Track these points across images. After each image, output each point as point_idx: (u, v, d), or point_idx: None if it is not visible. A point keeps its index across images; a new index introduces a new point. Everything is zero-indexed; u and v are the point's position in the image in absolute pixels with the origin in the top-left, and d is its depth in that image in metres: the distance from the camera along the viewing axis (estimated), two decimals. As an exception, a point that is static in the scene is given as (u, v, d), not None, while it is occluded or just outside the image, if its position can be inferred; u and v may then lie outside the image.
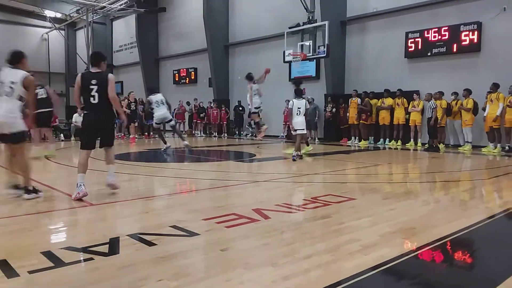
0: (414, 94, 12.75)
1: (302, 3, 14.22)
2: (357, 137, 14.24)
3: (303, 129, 9.31)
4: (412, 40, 13.09)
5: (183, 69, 22.30)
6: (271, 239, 3.39)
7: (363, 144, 13.76)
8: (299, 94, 9.39)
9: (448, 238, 3.44)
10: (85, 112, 5.10)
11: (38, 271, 2.61)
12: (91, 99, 4.94)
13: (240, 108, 18.18)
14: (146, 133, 18.10)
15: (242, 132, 18.52)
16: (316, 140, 15.07)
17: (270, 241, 3.33)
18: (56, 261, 2.80)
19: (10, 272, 2.59)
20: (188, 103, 19.69)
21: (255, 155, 10.63)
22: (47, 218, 4.25)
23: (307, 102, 9.76)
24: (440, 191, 6.10)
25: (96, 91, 4.91)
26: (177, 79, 22.72)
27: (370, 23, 14.62)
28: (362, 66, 14.81)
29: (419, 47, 12.93)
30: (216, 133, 18.90)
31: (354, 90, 14.21)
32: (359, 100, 13.90)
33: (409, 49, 13.20)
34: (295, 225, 3.82)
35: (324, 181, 6.75)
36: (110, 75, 5.05)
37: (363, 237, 3.39)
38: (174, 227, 3.66)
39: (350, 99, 14.25)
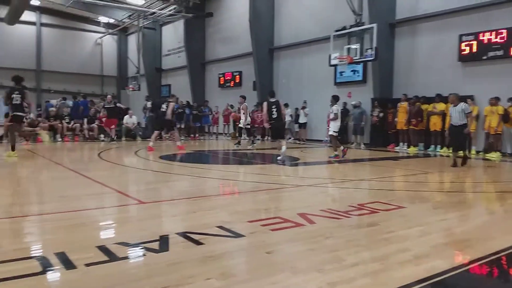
0: (468, 100, 12.14)
1: (349, 6, 14.00)
2: (406, 143, 13.77)
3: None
4: (466, 43, 12.50)
5: (228, 72, 22.65)
6: (316, 244, 3.35)
7: (412, 150, 13.28)
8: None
9: (504, 252, 3.24)
10: None
11: (94, 264, 2.75)
12: None
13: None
14: (192, 135, 18.55)
15: (290, 137, 18.43)
16: (362, 145, 14.75)
17: (316, 247, 3.29)
18: (110, 255, 2.93)
19: (69, 264, 2.74)
20: (232, 106, 19.96)
21: (298, 159, 10.58)
22: (101, 214, 4.47)
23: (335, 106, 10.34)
24: (496, 202, 5.76)
25: None
26: (222, 83, 23.11)
27: (421, 25, 14.13)
28: (412, 70, 14.34)
29: (474, 50, 12.32)
30: (259, 136, 18.98)
31: (404, 94, 13.78)
32: (408, 104, 13.45)
33: (463, 52, 12.61)
34: (341, 232, 3.76)
35: (371, 187, 6.58)
36: None
37: (414, 247, 3.28)
38: (220, 227, 3.71)
39: (399, 104, 13.82)
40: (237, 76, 22.05)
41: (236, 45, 21.84)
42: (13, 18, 23.44)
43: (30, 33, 28.95)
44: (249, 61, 20.35)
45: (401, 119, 13.63)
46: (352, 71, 15.90)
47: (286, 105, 16.07)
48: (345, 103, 15.95)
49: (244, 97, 14.00)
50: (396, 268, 2.83)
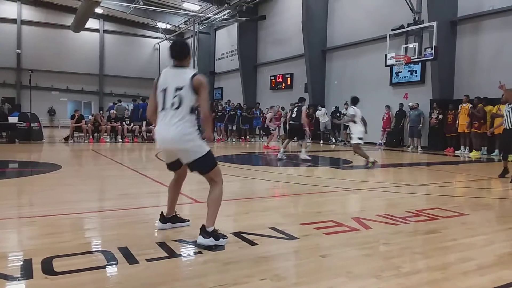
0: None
1: (408, 4, 13.51)
2: (467, 147, 13.02)
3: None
4: (538, 39, 11.59)
5: (279, 74, 22.71)
6: (372, 250, 3.27)
7: (474, 155, 12.52)
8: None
9: None
10: None
11: (155, 260, 2.88)
12: None
13: (338, 114, 17.86)
14: (243, 137, 18.79)
15: (338, 138, 18.16)
16: (419, 148, 14.13)
17: (372, 252, 3.21)
18: (170, 252, 3.06)
19: (131, 259, 2.89)
20: (282, 108, 19.96)
21: (351, 162, 10.36)
22: (159, 212, 4.65)
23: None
24: None
25: None
26: (273, 85, 23.21)
27: (485, 22, 13.29)
28: (475, 70, 13.53)
29: (546, 47, 11.39)
30: (310, 138, 18.79)
31: (465, 96, 13.02)
32: (470, 106, 12.70)
33: (534, 50, 11.70)
34: (398, 238, 3.63)
35: (429, 193, 6.29)
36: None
37: (478, 257, 3.10)
38: (274, 229, 3.74)
39: (460, 105, 13.10)
40: (288, 78, 22.04)
41: (288, 47, 21.84)
42: (79, 26, 25.14)
43: (94, 39, 30.88)
44: (300, 63, 20.27)
45: (462, 122, 12.90)
46: (409, 71, 15.31)
47: (312, 106, 15.51)
48: (401, 105, 15.40)
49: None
50: (459, 278, 2.69)
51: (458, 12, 13.94)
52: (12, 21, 28.35)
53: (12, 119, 15.13)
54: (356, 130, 8.97)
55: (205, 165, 3.26)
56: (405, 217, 4.32)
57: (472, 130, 12.64)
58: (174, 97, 3.15)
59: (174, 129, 3.13)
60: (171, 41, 22.47)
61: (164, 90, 3.20)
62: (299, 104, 10.51)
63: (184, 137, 3.13)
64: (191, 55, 3.41)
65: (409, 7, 13.52)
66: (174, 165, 3.44)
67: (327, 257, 3.06)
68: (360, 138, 8.96)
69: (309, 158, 10.24)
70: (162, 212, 3.71)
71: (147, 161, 10.82)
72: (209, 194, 3.33)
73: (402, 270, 2.81)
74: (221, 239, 3.21)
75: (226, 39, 28.27)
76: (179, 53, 3.27)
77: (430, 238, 3.68)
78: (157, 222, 3.71)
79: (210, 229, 3.19)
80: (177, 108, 3.14)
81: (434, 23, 12.52)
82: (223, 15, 25.09)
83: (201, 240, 3.17)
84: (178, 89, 3.16)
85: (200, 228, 3.23)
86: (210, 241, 3.15)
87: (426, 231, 3.90)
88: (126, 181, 6.69)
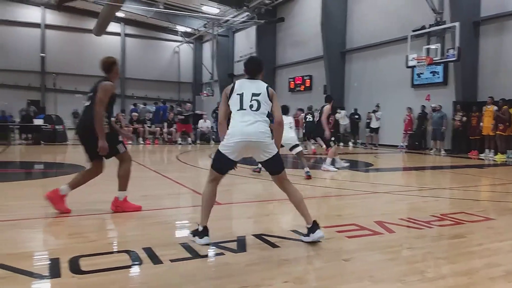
0: None
1: (429, 4, 13.29)
2: (492, 150, 12.69)
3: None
4: None
5: (298, 76, 22.65)
6: (396, 254, 3.23)
7: (499, 158, 12.19)
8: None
9: None
10: None
11: (179, 260, 2.92)
12: None
13: (357, 116, 17.71)
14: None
15: (358, 141, 17.98)
16: (442, 151, 13.86)
17: (396, 257, 3.17)
18: (193, 253, 3.09)
19: (155, 259, 2.94)
20: (302, 110, 19.88)
21: (372, 165, 10.25)
22: (181, 213, 4.71)
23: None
24: None
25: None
26: (292, 87, 23.16)
27: (510, 22, 12.96)
28: (500, 71, 13.20)
29: None
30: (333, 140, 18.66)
31: (490, 97, 12.70)
32: (495, 108, 12.39)
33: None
34: (422, 242, 3.57)
35: (453, 197, 6.17)
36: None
37: (506, 262, 3.02)
38: (295, 231, 3.73)
39: (484, 107, 12.79)
40: (308, 80, 21.95)
41: (306, 49, 21.77)
42: (101, 30, 25.65)
43: (115, 43, 31.45)
44: (319, 64, 20.17)
45: (487, 124, 12.59)
46: (431, 72, 15.04)
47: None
48: (423, 106, 15.14)
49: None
50: (486, 283, 2.64)
51: (481, 12, 13.63)
52: (36, 25, 29.14)
53: (38, 122, 15.56)
54: (290, 136, 7.64)
55: (279, 164, 3.52)
56: (429, 221, 4.25)
57: (497, 132, 12.31)
58: (252, 100, 3.40)
59: (257, 125, 3.35)
60: (189, 44, 22.50)
61: (241, 95, 3.42)
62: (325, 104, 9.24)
63: (264, 133, 3.37)
64: (263, 71, 3.70)
65: (430, 7, 13.30)
66: (230, 166, 3.50)
67: (350, 261, 3.03)
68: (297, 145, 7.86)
69: (336, 170, 8.80)
70: (204, 226, 3.36)
71: (168, 163, 10.95)
72: (292, 195, 3.57)
73: (427, 275, 2.77)
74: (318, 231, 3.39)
75: (245, 41, 28.38)
76: (256, 70, 3.59)
77: (455, 243, 3.61)
78: (194, 238, 3.35)
79: (309, 225, 3.42)
80: (256, 110, 3.39)
81: (457, 24, 12.27)
82: (242, 18, 25.21)
83: (308, 238, 3.40)
84: (255, 94, 3.43)
85: (312, 226, 3.40)
86: (319, 233, 3.37)
87: (451, 235, 3.83)
88: (148, 183, 6.78)
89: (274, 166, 3.51)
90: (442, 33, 13.08)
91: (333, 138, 9.04)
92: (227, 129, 3.41)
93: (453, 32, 12.46)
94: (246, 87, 3.47)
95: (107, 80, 4.30)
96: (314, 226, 3.39)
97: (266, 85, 3.55)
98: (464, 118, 13.49)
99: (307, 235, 3.41)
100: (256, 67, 3.61)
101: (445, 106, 14.23)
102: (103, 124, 4.10)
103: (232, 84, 3.52)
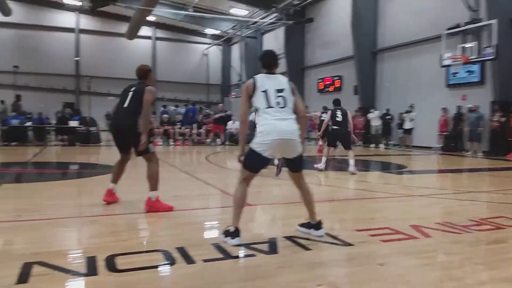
0: None
1: (464, 2, 12.86)
2: (532, 152, 12.12)
3: None
4: None
5: (327, 77, 22.40)
6: (433, 259, 3.13)
7: (540, 160, 11.64)
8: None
9: None
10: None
11: (211, 261, 2.93)
12: None
13: (389, 117, 17.33)
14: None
15: (390, 142, 17.57)
16: (479, 153, 13.34)
17: (432, 262, 3.07)
18: (225, 253, 3.09)
19: (188, 259, 2.96)
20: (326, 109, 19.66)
21: (405, 167, 9.99)
22: (212, 214, 4.74)
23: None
24: None
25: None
26: (321, 87, 22.94)
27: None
28: (541, 69, 12.59)
29: None
30: (361, 141, 18.36)
31: (530, 97, 12.15)
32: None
33: None
34: (460, 248, 3.44)
35: (492, 200, 5.92)
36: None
37: (552, 271, 2.86)
38: (327, 234, 3.67)
39: (524, 107, 12.23)
40: (337, 80, 21.68)
41: (336, 49, 21.51)
42: (132, 33, 26.31)
43: (146, 46, 32.13)
44: (349, 65, 19.89)
45: (527, 125, 12.04)
46: (467, 71, 14.50)
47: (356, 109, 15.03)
48: (459, 107, 14.63)
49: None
50: (532, 293, 2.50)
51: (520, 8, 13.07)
52: (71, 30, 30.16)
53: (73, 123, 16.11)
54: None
55: (303, 163, 3.62)
56: (467, 225, 4.09)
57: (538, 133, 11.76)
58: (278, 97, 3.39)
59: (289, 123, 3.38)
60: (218, 46, 22.66)
61: (265, 92, 3.40)
62: (339, 107, 8.91)
63: (296, 131, 3.41)
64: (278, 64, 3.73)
65: (466, 5, 12.86)
66: (264, 165, 3.53)
67: (384, 265, 2.95)
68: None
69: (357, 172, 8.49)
70: (235, 227, 3.36)
71: (198, 164, 11.07)
72: (307, 193, 3.72)
73: (466, 281, 2.66)
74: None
75: (273, 42, 28.32)
76: (272, 63, 3.58)
77: (495, 248, 3.46)
78: (226, 239, 3.34)
79: (314, 222, 3.66)
80: (283, 107, 3.39)
81: (494, 21, 11.81)
82: (270, 19, 25.20)
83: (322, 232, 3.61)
84: (279, 90, 3.42)
85: (316, 223, 3.64)
86: (321, 232, 3.62)
87: (490, 241, 3.67)
88: (178, 183, 6.88)
89: (299, 164, 3.58)
90: (479, 31, 12.64)
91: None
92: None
93: (490, 29, 12.00)
94: (268, 83, 3.44)
95: (142, 85, 4.71)
96: (318, 225, 3.63)
97: (286, 79, 3.56)
98: (503, 119, 12.95)
99: (316, 229, 3.62)
100: (272, 60, 3.60)
101: (482, 106, 13.69)
102: (149, 123, 4.52)
103: (252, 80, 3.45)
